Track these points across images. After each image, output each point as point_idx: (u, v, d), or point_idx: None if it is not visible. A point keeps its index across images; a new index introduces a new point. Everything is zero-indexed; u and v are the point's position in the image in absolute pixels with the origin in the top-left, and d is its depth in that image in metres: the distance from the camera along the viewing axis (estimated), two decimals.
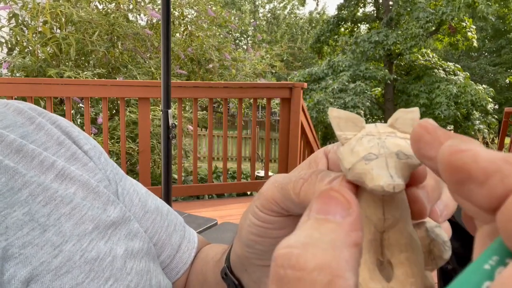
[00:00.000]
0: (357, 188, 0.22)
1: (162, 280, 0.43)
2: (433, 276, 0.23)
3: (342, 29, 15.67)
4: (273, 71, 6.61)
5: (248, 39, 23.92)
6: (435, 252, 0.23)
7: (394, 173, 0.20)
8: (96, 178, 0.42)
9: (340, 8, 15.44)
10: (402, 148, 0.21)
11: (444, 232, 0.23)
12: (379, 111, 13.80)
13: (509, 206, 0.14)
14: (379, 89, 14.34)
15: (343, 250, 0.15)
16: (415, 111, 0.23)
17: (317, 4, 31.27)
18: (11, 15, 4.05)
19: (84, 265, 0.35)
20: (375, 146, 0.21)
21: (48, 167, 0.39)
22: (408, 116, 0.23)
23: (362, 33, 15.28)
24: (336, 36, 15.61)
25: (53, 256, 0.34)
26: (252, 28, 23.74)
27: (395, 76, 13.68)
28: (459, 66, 14.16)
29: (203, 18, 5.23)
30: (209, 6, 5.34)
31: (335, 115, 0.22)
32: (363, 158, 0.20)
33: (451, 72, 13.41)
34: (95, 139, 3.56)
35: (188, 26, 5.20)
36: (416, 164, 0.21)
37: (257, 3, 25.27)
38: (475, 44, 13.53)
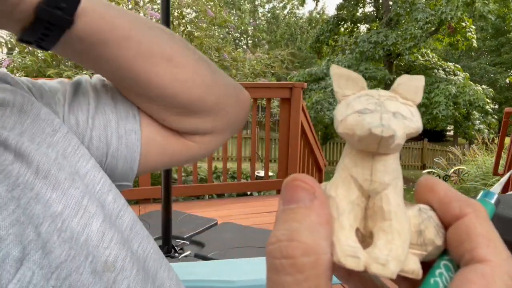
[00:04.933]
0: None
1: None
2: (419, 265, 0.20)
3: (342, 29, 15.67)
4: (272, 71, 6.61)
5: (248, 39, 23.91)
6: (426, 234, 0.20)
7: (386, 124, 0.19)
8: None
9: (339, 8, 15.43)
10: (401, 110, 0.20)
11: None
12: None
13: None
14: (379, 89, 14.32)
15: (319, 230, 0.18)
16: (420, 79, 0.22)
17: (317, 4, 31.25)
18: None
19: (63, 244, 0.36)
20: (372, 104, 0.20)
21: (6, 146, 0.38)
22: (412, 83, 0.22)
23: (362, 33, 15.28)
24: (335, 36, 15.61)
25: (37, 235, 0.35)
26: (252, 28, 23.73)
27: (395, 76, 13.68)
28: (459, 66, 14.17)
29: (202, 18, 5.23)
30: (209, 6, 5.34)
31: (336, 71, 0.22)
32: (357, 111, 0.20)
33: (451, 72, 13.41)
34: None
35: (188, 26, 5.20)
36: (414, 127, 0.20)
37: (256, 2, 25.27)
38: (474, 44, 13.54)
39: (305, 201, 0.19)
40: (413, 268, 0.20)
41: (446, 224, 0.21)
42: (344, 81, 0.22)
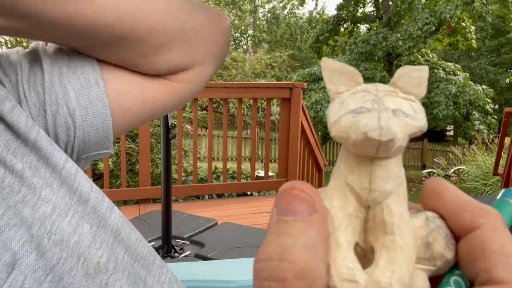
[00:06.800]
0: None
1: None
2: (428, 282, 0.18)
3: (342, 29, 15.68)
4: (273, 72, 6.61)
5: (248, 39, 23.92)
6: (434, 247, 0.18)
7: (385, 125, 0.16)
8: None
9: (339, 8, 15.44)
10: (402, 107, 0.18)
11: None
12: None
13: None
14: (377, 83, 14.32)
15: (316, 250, 0.16)
16: (423, 69, 0.19)
17: (317, 4, 31.25)
18: None
19: (54, 247, 0.35)
20: (369, 101, 0.18)
21: None
22: (414, 74, 0.19)
23: (362, 33, 15.29)
24: (335, 36, 15.62)
25: (31, 236, 0.34)
26: (252, 27, 23.74)
27: None
28: (459, 66, 14.18)
29: None
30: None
31: (327, 65, 0.19)
32: (351, 111, 0.17)
33: (451, 72, 13.42)
34: None
35: None
36: (417, 126, 0.17)
37: (256, 3, 25.27)
38: (474, 44, 13.54)
39: (303, 214, 0.16)
40: (421, 286, 0.18)
41: (456, 235, 0.18)
42: (337, 76, 0.19)
